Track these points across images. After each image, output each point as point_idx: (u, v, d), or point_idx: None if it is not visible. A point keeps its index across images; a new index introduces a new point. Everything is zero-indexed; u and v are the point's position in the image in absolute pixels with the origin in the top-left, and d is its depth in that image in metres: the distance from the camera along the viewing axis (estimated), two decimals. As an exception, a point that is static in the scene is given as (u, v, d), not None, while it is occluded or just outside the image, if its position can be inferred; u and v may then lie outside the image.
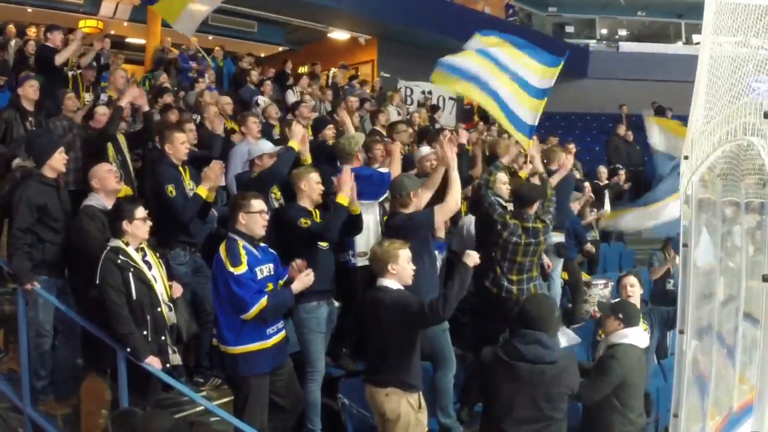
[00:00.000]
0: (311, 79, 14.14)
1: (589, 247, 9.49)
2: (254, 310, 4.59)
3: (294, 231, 5.34)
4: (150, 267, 4.83)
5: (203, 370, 6.02)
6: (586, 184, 11.09)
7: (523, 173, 7.89)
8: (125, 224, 4.74)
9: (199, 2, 9.97)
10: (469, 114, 19.87)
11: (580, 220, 9.72)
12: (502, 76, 7.96)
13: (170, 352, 4.82)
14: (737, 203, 3.31)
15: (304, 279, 4.87)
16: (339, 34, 19.42)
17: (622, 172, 13.55)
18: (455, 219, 7.19)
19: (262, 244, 4.88)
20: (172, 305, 4.94)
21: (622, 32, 24.80)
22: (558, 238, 7.97)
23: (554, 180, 7.32)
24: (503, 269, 6.11)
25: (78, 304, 5.48)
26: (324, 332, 5.48)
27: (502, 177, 6.89)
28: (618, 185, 13.04)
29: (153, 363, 4.57)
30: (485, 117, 15.56)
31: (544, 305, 4.45)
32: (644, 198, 9.75)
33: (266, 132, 8.46)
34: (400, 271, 4.64)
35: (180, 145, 6.05)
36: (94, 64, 10.83)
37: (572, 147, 12.53)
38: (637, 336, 5.23)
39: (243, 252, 4.68)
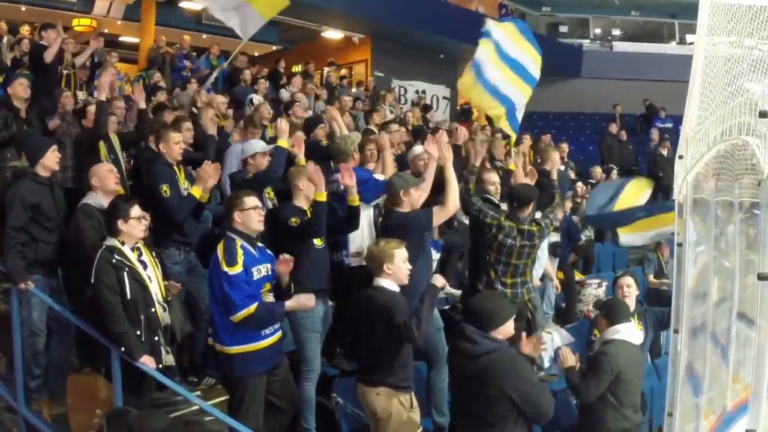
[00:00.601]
0: (304, 78, 14.12)
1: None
2: (242, 314, 4.56)
3: (286, 230, 5.34)
4: (145, 267, 4.80)
5: (197, 369, 6.01)
6: (579, 184, 11.12)
7: (512, 166, 7.90)
8: (120, 223, 4.72)
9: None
10: (467, 113, 19.91)
11: (574, 220, 9.74)
12: (502, 65, 8.01)
13: (163, 352, 4.79)
14: (731, 203, 3.32)
15: (303, 300, 4.82)
16: (332, 34, 19.40)
17: (615, 172, 13.59)
18: (449, 220, 7.19)
19: (259, 244, 4.87)
20: (166, 305, 4.92)
21: (616, 32, 24.83)
22: (554, 237, 7.99)
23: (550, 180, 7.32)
24: (497, 272, 6.08)
25: (74, 303, 5.47)
26: (320, 331, 5.49)
27: (490, 177, 6.89)
28: (611, 185, 13.07)
29: (147, 362, 4.55)
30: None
31: (486, 302, 4.43)
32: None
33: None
34: (396, 270, 4.64)
35: (174, 144, 6.05)
36: (88, 63, 10.78)
37: (564, 146, 12.57)
38: (629, 332, 5.26)
39: (240, 251, 4.67)
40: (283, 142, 6.24)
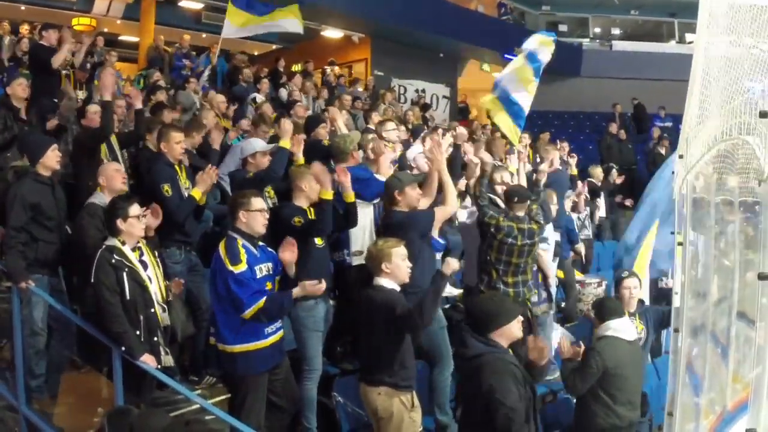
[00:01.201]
0: (304, 78, 14.13)
1: (577, 248, 9.57)
2: (251, 310, 4.59)
3: (288, 230, 5.34)
4: (146, 267, 4.80)
5: (198, 368, 6.02)
6: (579, 183, 11.11)
7: (511, 168, 7.92)
8: (119, 222, 4.72)
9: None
10: (464, 111, 19.93)
11: (573, 220, 9.75)
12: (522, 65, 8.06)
13: (162, 353, 4.79)
14: (731, 202, 3.32)
15: (309, 287, 4.83)
16: (332, 33, 19.39)
17: (615, 171, 13.58)
18: (450, 219, 7.21)
19: (260, 243, 4.88)
20: (166, 306, 4.92)
21: (615, 31, 24.83)
22: (555, 236, 7.98)
23: (542, 177, 7.32)
24: (499, 272, 6.10)
25: (79, 302, 5.48)
26: (321, 330, 5.49)
27: (501, 176, 6.92)
28: (612, 185, 13.07)
29: (148, 361, 4.55)
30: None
31: (486, 304, 4.39)
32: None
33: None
34: (395, 269, 4.65)
35: (176, 144, 6.05)
36: (88, 65, 10.79)
37: (565, 146, 12.59)
38: (621, 327, 5.27)
39: (242, 250, 4.68)
40: (286, 143, 6.25)
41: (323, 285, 4.83)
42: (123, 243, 4.71)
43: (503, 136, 9.07)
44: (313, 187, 5.50)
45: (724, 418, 3.37)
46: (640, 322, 6.00)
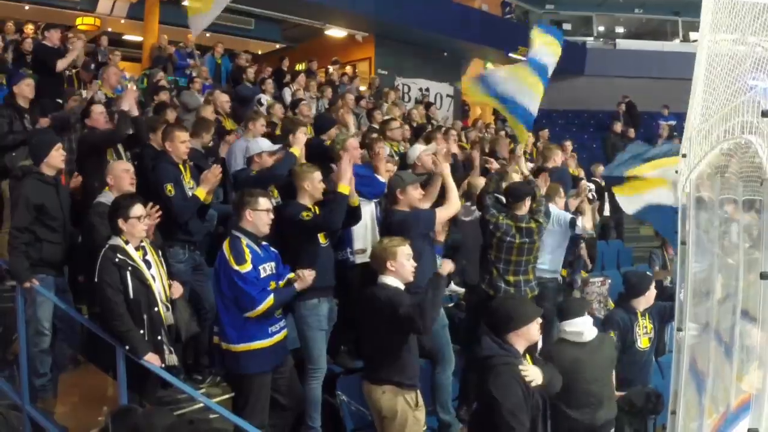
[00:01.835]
0: (307, 77, 14.13)
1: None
2: (261, 308, 4.63)
3: (296, 226, 5.34)
4: (149, 266, 4.80)
5: (202, 367, 6.03)
6: (583, 182, 11.10)
7: (521, 166, 7.93)
8: (121, 222, 4.73)
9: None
10: (465, 112, 19.91)
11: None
12: (522, 71, 8.05)
13: (166, 352, 4.78)
14: (735, 200, 3.32)
15: (307, 278, 4.87)
16: (336, 32, 19.39)
17: (619, 170, 13.54)
18: (454, 218, 7.21)
19: (264, 243, 4.89)
20: (170, 305, 4.92)
21: (619, 29, 24.81)
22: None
23: (541, 180, 7.33)
24: (500, 270, 6.11)
25: (89, 301, 5.49)
26: (325, 329, 5.48)
27: (514, 175, 6.94)
28: (614, 183, 13.05)
29: (152, 360, 4.56)
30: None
31: (504, 305, 4.39)
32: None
33: (270, 131, 8.47)
34: (399, 267, 4.65)
35: (181, 143, 6.04)
36: (92, 66, 10.79)
37: (568, 145, 12.58)
38: (570, 329, 5.11)
39: (247, 250, 4.70)
40: (296, 150, 6.25)
41: (312, 273, 4.93)
42: (126, 242, 4.72)
43: (508, 135, 9.08)
44: (316, 186, 5.50)
45: (727, 418, 3.37)
46: (650, 321, 5.97)
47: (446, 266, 4.75)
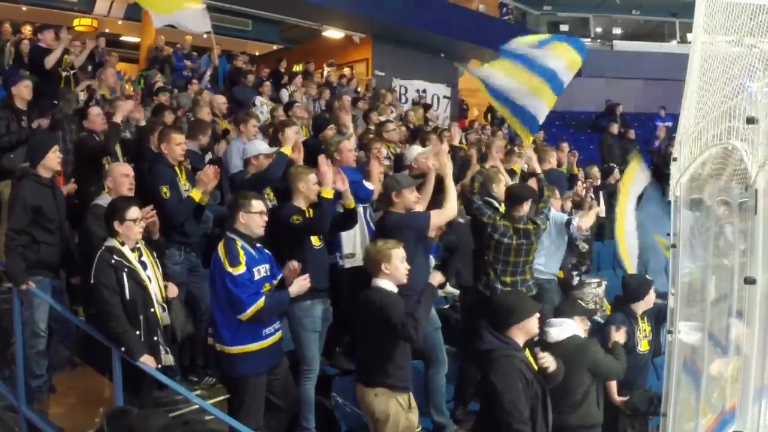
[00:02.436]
0: (305, 78, 14.14)
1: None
2: (251, 311, 4.60)
3: (286, 229, 5.36)
4: (145, 267, 4.82)
5: (198, 369, 6.04)
6: (579, 183, 11.11)
7: (516, 167, 7.95)
8: (116, 224, 4.74)
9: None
10: (463, 111, 19.91)
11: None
12: (523, 74, 8.04)
13: (163, 352, 4.80)
14: (729, 203, 3.34)
15: (301, 283, 4.87)
16: (333, 33, 19.40)
17: (616, 171, 13.55)
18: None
19: (258, 245, 4.90)
20: (166, 306, 4.94)
21: (617, 31, 24.85)
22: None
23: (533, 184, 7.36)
24: (497, 271, 6.11)
25: (86, 303, 5.50)
26: (319, 331, 5.49)
27: (502, 178, 6.95)
28: (612, 185, 13.06)
29: (147, 362, 4.57)
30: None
31: (505, 299, 4.61)
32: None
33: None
34: (393, 270, 4.65)
35: (176, 146, 6.05)
36: (90, 68, 10.78)
37: (565, 146, 12.59)
38: (546, 327, 5.19)
39: (242, 252, 4.70)
40: (288, 150, 6.27)
41: (308, 280, 4.90)
42: (122, 244, 4.74)
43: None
44: (311, 188, 5.51)
45: (723, 418, 3.39)
46: (648, 324, 5.98)
47: (436, 278, 4.80)
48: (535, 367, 4.33)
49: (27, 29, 12.72)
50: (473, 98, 20.35)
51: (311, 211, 5.55)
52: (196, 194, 5.75)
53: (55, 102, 8.06)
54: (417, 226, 5.48)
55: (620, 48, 23.64)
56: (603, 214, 12.15)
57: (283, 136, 6.55)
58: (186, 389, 4.93)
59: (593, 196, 11.39)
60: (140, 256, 4.85)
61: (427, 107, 15.50)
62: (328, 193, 5.34)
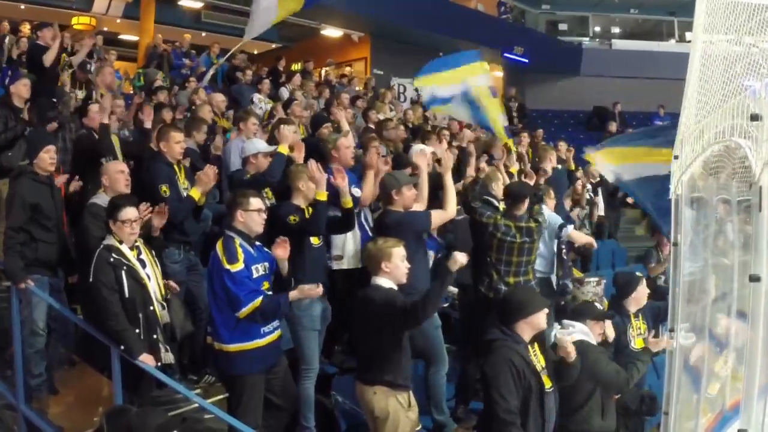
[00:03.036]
0: (303, 77, 14.12)
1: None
2: (248, 309, 4.58)
3: (284, 228, 5.35)
4: (144, 265, 4.82)
5: (197, 367, 6.03)
6: (579, 182, 11.12)
7: (513, 169, 7.95)
8: (111, 224, 4.75)
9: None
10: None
11: (573, 219, 9.75)
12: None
13: (162, 350, 4.80)
14: (729, 201, 3.33)
15: (307, 290, 4.84)
16: (332, 32, 19.40)
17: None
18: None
19: (257, 243, 4.89)
20: (165, 304, 4.93)
21: (615, 30, 24.84)
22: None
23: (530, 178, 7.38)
24: (500, 272, 6.08)
25: (83, 302, 5.49)
26: (318, 329, 5.48)
27: (499, 176, 6.95)
28: (609, 183, 13.06)
29: (147, 361, 4.56)
30: None
31: (514, 294, 4.74)
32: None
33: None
34: (394, 269, 4.64)
35: (175, 144, 6.04)
36: (89, 66, 10.77)
37: (563, 145, 12.59)
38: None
39: (240, 250, 4.68)
40: (284, 148, 6.25)
41: (320, 289, 4.85)
42: (121, 242, 4.73)
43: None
44: (310, 186, 5.50)
45: (723, 416, 3.39)
46: (643, 322, 5.97)
47: (458, 260, 4.54)
48: (540, 363, 4.37)
49: (26, 28, 12.72)
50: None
51: (310, 210, 5.55)
52: (196, 193, 5.75)
53: (54, 100, 8.05)
54: (418, 225, 5.48)
55: (619, 47, 23.63)
56: (602, 213, 12.20)
57: (279, 135, 6.53)
58: (185, 388, 4.92)
59: (592, 194, 11.42)
60: (139, 254, 4.84)
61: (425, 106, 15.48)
62: (322, 195, 5.34)
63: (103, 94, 8.91)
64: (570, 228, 7.14)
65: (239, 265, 4.62)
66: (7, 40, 12.20)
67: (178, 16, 18.37)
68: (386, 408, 4.56)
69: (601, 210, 12.09)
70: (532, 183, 7.29)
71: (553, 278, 7.07)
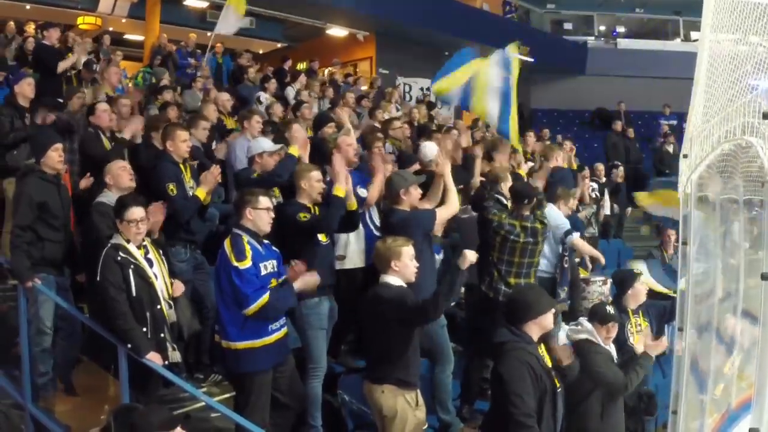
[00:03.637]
0: (309, 77, 14.11)
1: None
2: (255, 306, 4.58)
3: (294, 226, 5.35)
4: (151, 264, 4.82)
5: (204, 366, 6.03)
6: (586, 181, 11.10)
7: (521, 171, 7.95)
8: (117, 223, 4.77)
9: None
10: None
11: (578, 218, 9.72)
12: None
13: (170, 349, 4.80)
14: (736, 201, 3.32)
15: (308, 279, 4.86)
16: (337, 31, 19.39)
17: (620, 169, 13.55)
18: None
19: (265, 241, 4.89)
20: (172, 303, 4.94)
21: (620, 29, 24.77)
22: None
23: (540, 178, 7.36)
24: (501, 272, 6.08)
25: (90, 300, 5.49)
26: (326, 328, 5.49)
27: (508, 175, 6.95)
28: (614, 182, 13.05)
29: (154, 359, 4.57)
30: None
31: (522, 294, 4.68)
32: None
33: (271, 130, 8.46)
34: (403, 268, 4.65)
35: (182, 143, 6.04)
36: (94, 66, 10.77)
37: (567, 144, 12.59)
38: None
39: (248, 247, 4.69)
40: (295, 150, 6.25)
41: (317, 278, 4.93)
42: (128, 241, 4.73)
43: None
44: (313, 185, 5.50)
45: (729, 416, 3.38)
46: (644, 318, 5.98)
47: (468, 257, 4.60)
48: (549, 363, 4.37)
49: (31, 28, 12.73)
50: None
51: (316, 209, 5.55)
52: (201, 193, 5.76)
53: (60, 100, 8.05)
54: (424, 223, 5.48)
55: (624, 46, 23.58)
56: (607, 212, 12.18)
57: (291, 135, 6.53)
58: (192, 386, 4.93)
59: (599, 194, 11.40)
60: (146, 253, 4.84)
61: (431, 106, 15.47)
62: (341, 191, 5.34)
63: (108, 93, 8.92)
64: (575, 236, 7.14)
65: (247, 263, 4.63)
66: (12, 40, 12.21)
67: (183, 15, 18.38)
68: (394, 407, 4.56)
69: (607, 209, 12.08)
70: (541, 184, 7.27)
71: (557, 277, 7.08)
